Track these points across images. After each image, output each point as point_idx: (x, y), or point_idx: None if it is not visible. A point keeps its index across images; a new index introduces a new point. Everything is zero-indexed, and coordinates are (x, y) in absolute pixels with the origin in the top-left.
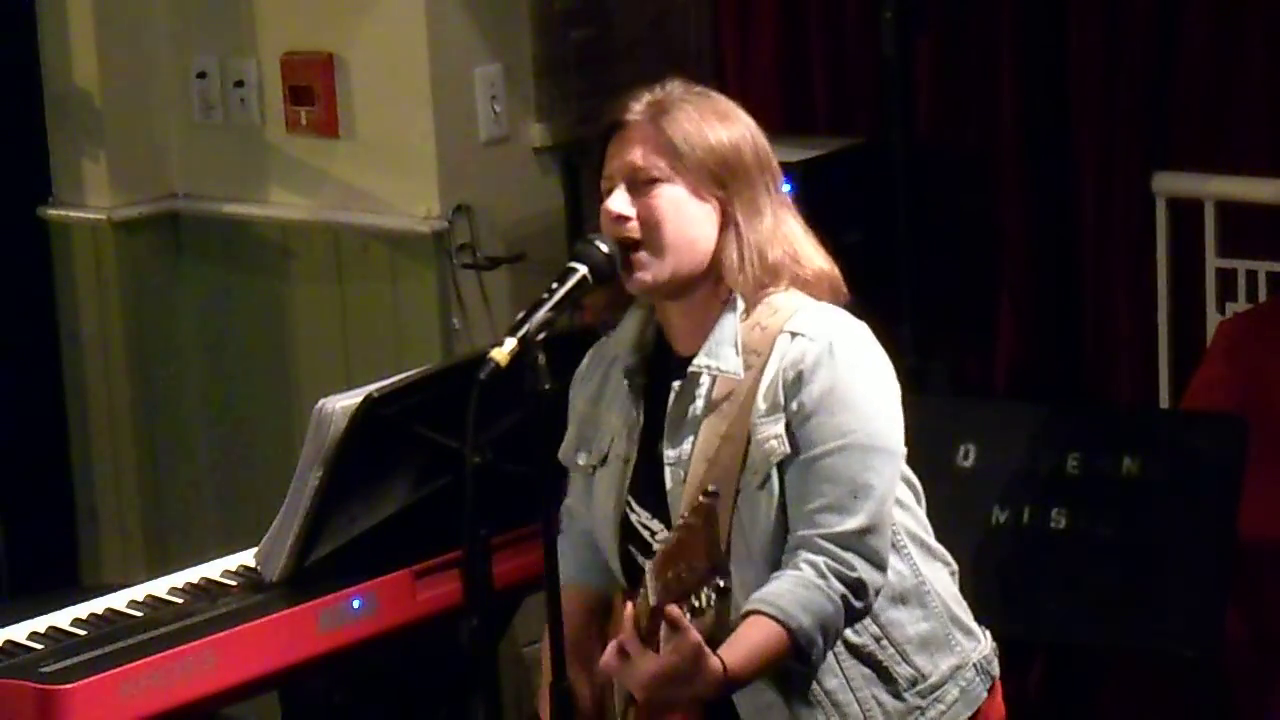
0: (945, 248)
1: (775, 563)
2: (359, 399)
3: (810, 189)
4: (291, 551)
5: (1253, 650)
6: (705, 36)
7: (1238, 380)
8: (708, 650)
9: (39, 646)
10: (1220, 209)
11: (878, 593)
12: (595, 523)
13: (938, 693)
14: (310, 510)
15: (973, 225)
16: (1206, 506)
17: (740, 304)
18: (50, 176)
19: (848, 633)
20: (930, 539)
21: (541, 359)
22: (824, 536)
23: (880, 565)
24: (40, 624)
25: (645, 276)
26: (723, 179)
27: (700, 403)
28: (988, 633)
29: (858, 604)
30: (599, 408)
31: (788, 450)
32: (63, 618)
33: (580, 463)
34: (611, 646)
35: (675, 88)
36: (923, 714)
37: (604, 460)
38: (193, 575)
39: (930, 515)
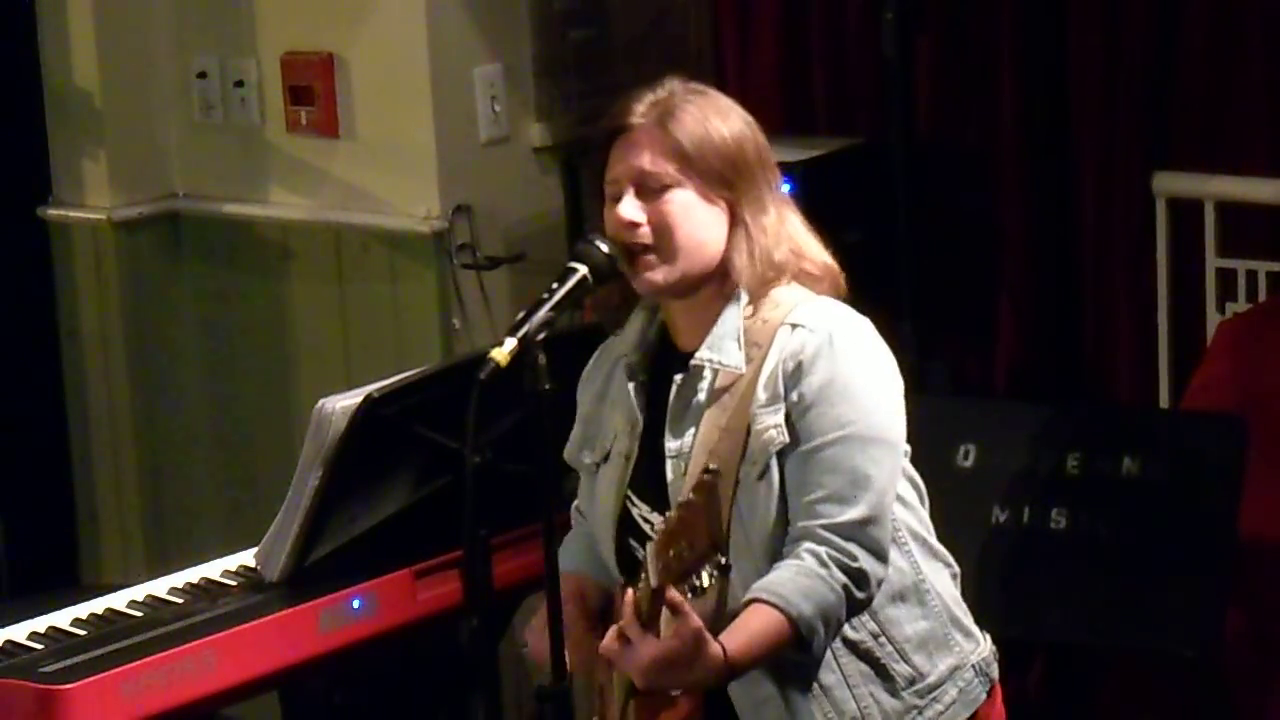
0: (945, 248)
1: (775, 555)
2: (359, 399)
3: (810, 189)
4: (291, 551)
5: (1253, 650)
6: (705, 36)
7: (1238, 380)
8: (708, 635)
9: (39, 646)
10: (1220, 209)
11: (879, 584)
12: (595, 518)
13: (935, 693)
14: (310, 510)
15: (973, 225)
16: (1206, 506)
17: (743, 298)
18: (50, 176)
19: (846, 629)
20: (932, 539)
21: (541, 359)
22: (825, 527)
23: (881, 556)
24: (40, 624)
25: (656, 278)
26: (730, 180)
27: (701, 396)
28: (987, 636)
29: (859, 595)
30: (603, 406)
31: (786, 440)
32: (63, 618)
33: (585, 461)
34: (612, 632)
35: (675, 87)
36: (920, 713)
37: (606, 457)
38: (193, 575)
39: (931, 515)
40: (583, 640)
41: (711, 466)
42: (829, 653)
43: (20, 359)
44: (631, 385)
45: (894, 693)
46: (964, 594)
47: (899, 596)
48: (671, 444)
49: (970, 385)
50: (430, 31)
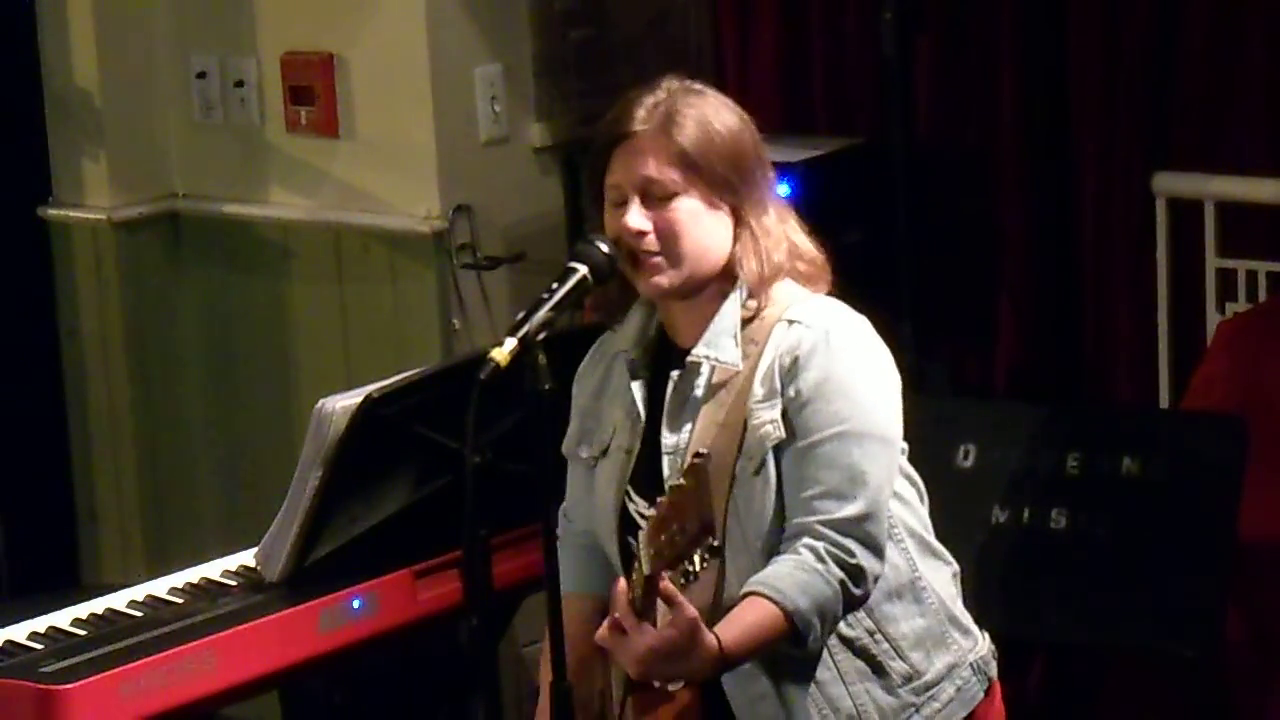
0: (945, 248)
1: (772, 550)
2: (359, 399)
3: (810, 189)
4: (291, 551)
5: (1253, 650)
6: (705, 36)
7: (1238, 380)
8: (704, 626)
9: (39, 646)
10: (1220, 209)
11: (876, 580)
12: (595, 514)
13: (932, 690)
14: (310, 510)
15: (973, 225)
16: (1206, 506)
17: (740, 295)
18: (50, 176)
19: (842, 626)
20: (930, 537)
21: (541, 359)
22: (823, 523)
23: (878, 553)
24: (40, 624)
25: (661, 281)
26: (733, 184)
27: (698, 392)
28: (986, 635)
29: (856, 590)
30: (601, 401)
31: (783, 435)
32: (63, 618)
33: (582, 455)
34: (607, 623)
35: (673, 88)
36: (917, 711)
37: (605, 452)
38: (193, 575)
39: (931, 515)
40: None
41: (702, 450)
42: (825, 649)
43: (20, 359)
44: (635, 382)
45: (890, 690)
46: (964, 594)
47: (895, 594)
48: (669, 439)
49: (970, 385)
50: (430, 31)
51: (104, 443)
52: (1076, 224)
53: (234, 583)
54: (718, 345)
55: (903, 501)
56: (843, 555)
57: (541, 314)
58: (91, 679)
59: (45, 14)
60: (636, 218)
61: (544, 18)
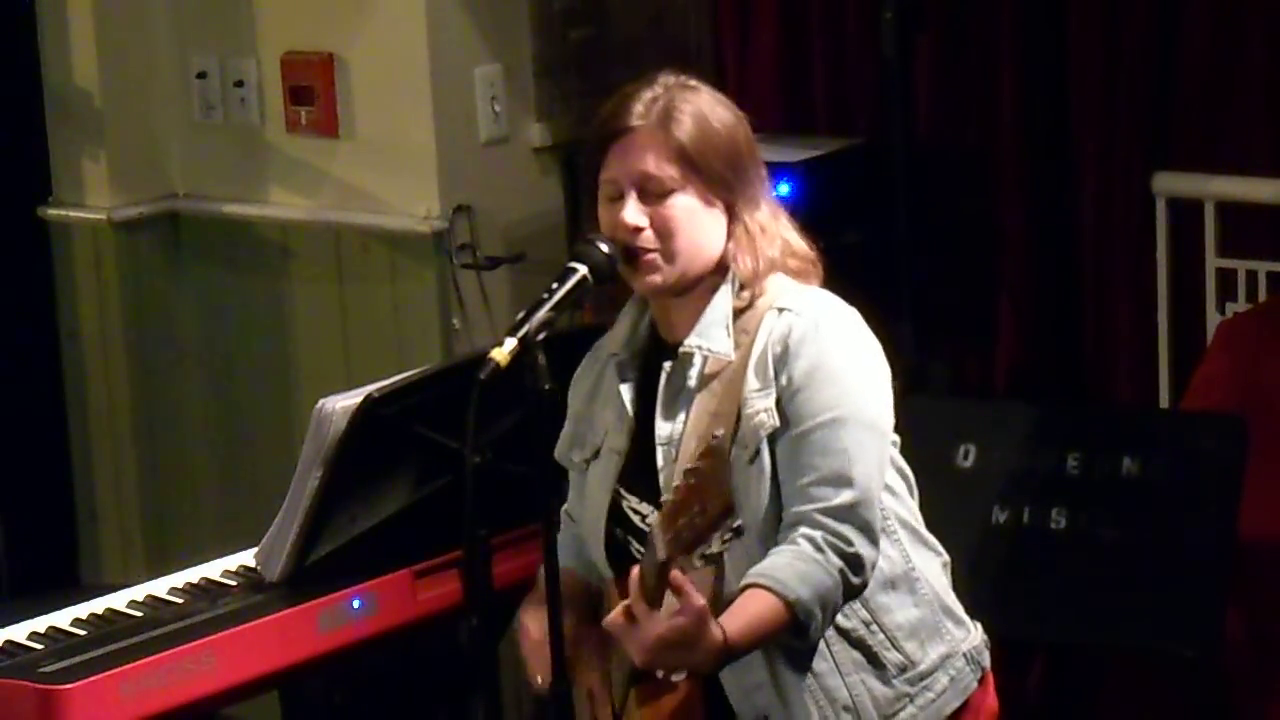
0: (945, 248)
1: (768, 539)
2: (359, 399)
3: (810, 189)
4: (291, 551)
5: (1253, 650)
6: (705, 36)
7: (1237, 380)
8: (710, 616)
9: (39, 646)
10: (1220, 209)
11: (873, 567)
12: (585, 515)
13: (927, 680)
14: (310, 510)
15: (973, 225)
16: (1206, 506)
17: (731, 286)
18: (50, 176)
19: (838, 617)
20: (921, 528)
21: (541, 359)
22: (820, 511)
23: (874, 540)
24: (40, 624)
25: (656, 279)
26: (729, 180)
27: (691, 383)
28: (978, 625)
29: (855, 580)
30: (593, 405)
31: (776, 423)
32: (63, 618)
33: (574, 459)
34: (618, 609)
35: (670, 83)
36: (911, 701)
37: (597, 454)
38: (193, 575)
39: (930, 515)
40: (569, 636)
41: (718, 432)
42: (821, 640)
43: (20, 359)
44: (624, 385)
45: (885, 680)
46: (964, 593)
47: (890, 584)
48: (662, 431)
49: (970, 385)
50: (430, 31)
51: (104, 443)
52: (1076, 224)
53: (234, 583)
54: (709, 336)
55: (893, 494)
56: (840, 544)
57: (541, 314)
58: (91, 679)
59: (45, 14)
60: (633, 213)
61: (544, 18)
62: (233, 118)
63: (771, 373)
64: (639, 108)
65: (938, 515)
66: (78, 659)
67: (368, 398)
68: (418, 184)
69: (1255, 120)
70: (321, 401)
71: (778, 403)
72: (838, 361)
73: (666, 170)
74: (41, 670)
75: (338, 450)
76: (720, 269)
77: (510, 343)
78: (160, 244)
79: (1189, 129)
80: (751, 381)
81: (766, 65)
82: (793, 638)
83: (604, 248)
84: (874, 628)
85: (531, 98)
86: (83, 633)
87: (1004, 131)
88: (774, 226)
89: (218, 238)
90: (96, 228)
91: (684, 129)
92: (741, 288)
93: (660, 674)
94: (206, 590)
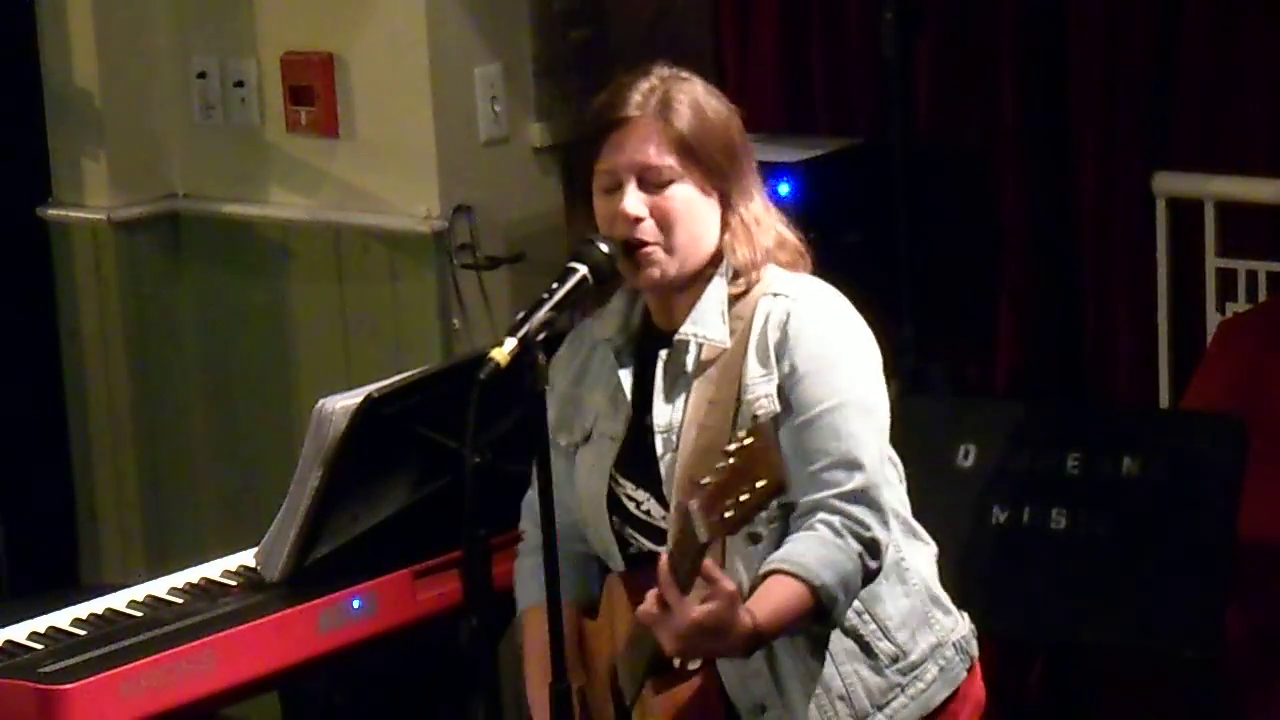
0: (945, 248)
1: (770, 524)
2: (359, 399)
3: (810, 189)
4: (291, 551)
5: (1253, 650)
6: (705, 36)
7: (1238, 380)
8: (740, 601)
9: (39, 646)
10: (1220, 209)
11: (886, 551)
12: (579, 500)
13: (917, 670)
14: (310, 510)
15: (973, 225)
16: (1206, 506)
17: (726, 274)
18: (50, 176)
19: None
20: (911, 518)
21: (541, 359)
22: (835, 496)
23: (886, 523)
24: (40, 624)
25: (655, 272)
26: (725, 170)
27: (688, 370)
28: (965, 615)
29: (872, 563)
30: (581, 388)
31: (777, 409)
32: (63, 618)
33: (562, 443)
34: (651, 597)
35: (664, 74)
36: (902, 691)
37: (587, 438)
38: (193, 575)
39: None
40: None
41: (759, 412)
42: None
43: (20, 359)
44: (623, 370)
45: (878, 670)
46: (964, 593)
47: (882, 575)
48: (660, 419)
49: (970, 385)
50: (430, 31)
51: (104, 443)
52: (1076, 224)
53: (234, 583)
54: (705, 323)
55: (887, 482)
56: (858, 528)
57: (541, 314)
58: (91, 679)
59: (45, 14)
60: (634, 203)
61: (544, 18)
62: (233, 118)
63: (773, 358)
64: (636, 98)
65: (938, 515)
66: (78, 659)
67: (368, 398)
68: (418, 184)
69: (1255, 120)
70: (321, 401)
71: (779, 389)
72: (838, 347)
73: (666, 160)
74: (41, 670)
75: (338, 450)
76: (715, 259)
77: (510, 343)
78: (160, 244)
79: (1189, 129)
80: (754, 367)
81: (766, 65)
82: (815, 623)
83: (604, 247)
84: (866, 617)
85: (531, 98)
86: (83, 633)
87: (1004, 131)
88: (767, 218)
89: (218, 238)
90: (96, 228)
91: (683, 119)
92: (736, 275)
93: (677, 663)
94: (206, 590)
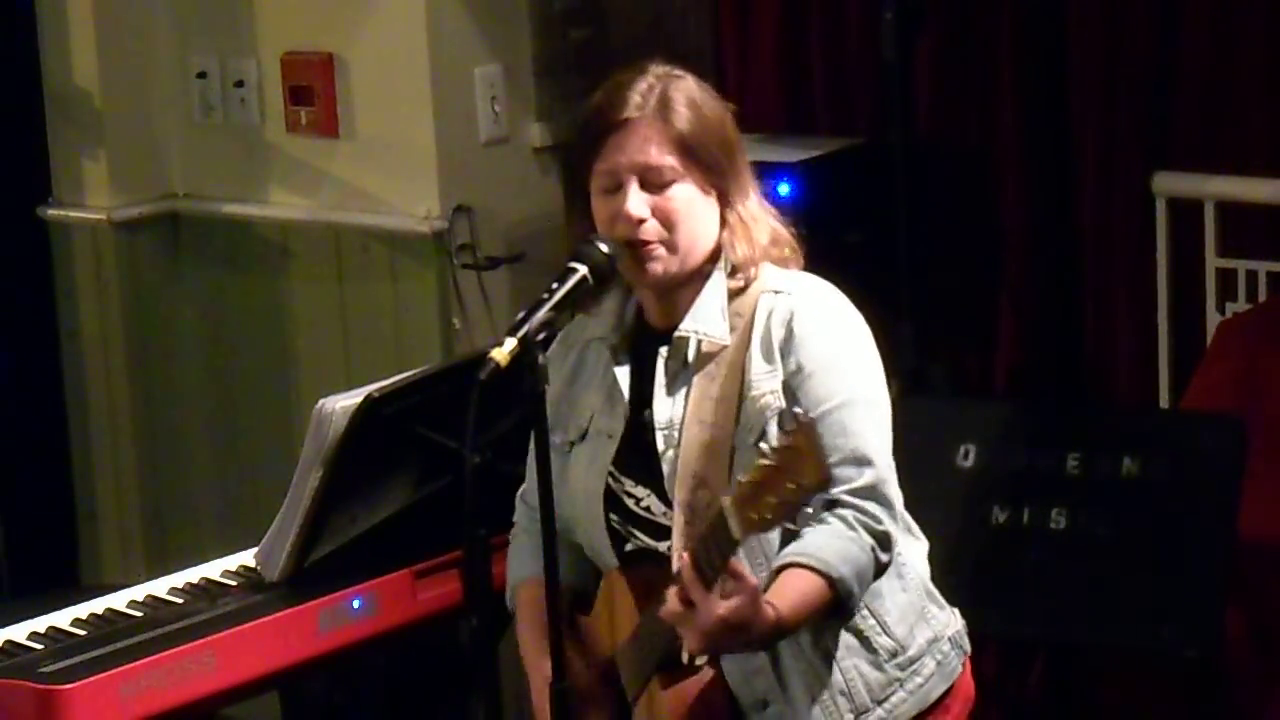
0: (945, 248)
1: None
2: (359, 399)
3: (810, 189)
4: (291, 551)
5: (1253, 650)
6: (705, 36)
7: (1238, 380)
8: (762, 595)
9: (39, 646)
10: (1220, 209)
11: (895, 544)
12: (572, 499)
13: (915, 665)
14: (310, 510)
15: (973, 225)
16: (1206, 506)
17: (723, 272)
18: (50, 176)
19: None
20: (905, 512)
21: (541, 359)
22: (847, 492)
23: (895, 517)
24: (40, 624)
25: (657, 269)
26: (723, 168)
27: (688, 367)
28: (955, 610)
29: (884, 557)
30: (575, 387)
31: (783, 404)
32: (63, 618)
33: (556, 441)
34: (675, 596)
35: (660, 73)
36: (901, 685)
37: (583, 436)
38: (193, 575)
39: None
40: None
41: (797, 410)
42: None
43: (20, 359)
44: (620, 368)
45: (877, 665)
46: (964, 593)
47: None
48: (660, 417)
49: (970, 385)
50: (430, 31)
51: (104, 443)
52: (1076, 224)
53: (234, 583)
54: (705, 320)
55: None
56: (871, 522)
57: (541, 314)
58: (91, 679)
59: (45, 14)
60: (637, 204)
61: (544, 18)
62: (233, 118)
63: (777, 355)
64: (635, 99)
65: (938, 515)
66: (78, 659)
67: (368, 398)
68: (418, 184)
69: (1255, 120)
70: (321, 401)
71: (785, 385)
72: (843, 345)
73: (667, 160)
74: (41, 670)
75: (338, 450)
76: (713, 256)
77: (510, 343)
78: (160, 244)
79: (1189, 129)
80: (758, 363)
81: (766, 65)
82: (830, 617)
83: (604, 247)
84: (866, 613)
85: (531, 98)
86: (83, 633)
87: (1004, 131)
88: (762, 214)
89: (218, 238)
90: (96, 228)
91: (683, 118)
92: (735, 271)
93: (685, 658)
94: (206, 590)
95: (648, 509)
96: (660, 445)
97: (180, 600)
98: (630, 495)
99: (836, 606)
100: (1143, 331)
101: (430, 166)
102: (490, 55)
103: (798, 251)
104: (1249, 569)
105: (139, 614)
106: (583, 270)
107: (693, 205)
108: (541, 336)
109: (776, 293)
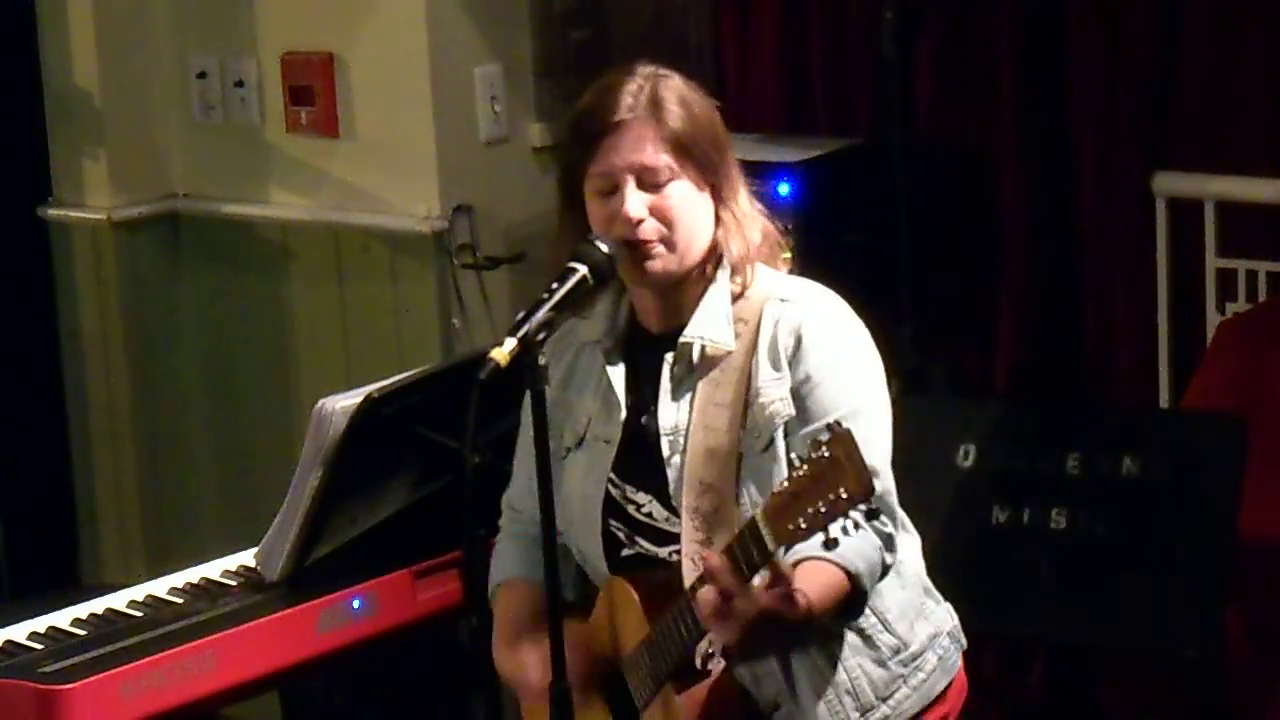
0: (945, 248)
1: None
2: (359, 399)
3: (810, 189)
4: (291, 551)
5: (1253, 650)
6: (705, 36)
7: (1238, 380)
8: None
9: (39, 646)
10: (1220, 209)
11: (897, 548)
12: (566, 505)
13: (918, 661)
14: (310, 510)
15: (973, 225)
16: (1206, 506)
17: (726, 277)
18: (50, 176)
19: None
20: (901, 510)
21: (542, 359)
22: None
23: (898, 524)
24: (40, 624)
25: (657, 267)
26: (715, 164)
27: (693, 373)
28: (949, 605)
29: (889, 559)
30: (569, 392)
31: (792, 413)
32: (63, 618)
33: (550, 448)
34: (714, 599)
35: (648, 73)
36: (905, 682)
37: (579, 443)
38: (193, 575)
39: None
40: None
41: (832, 421)
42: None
43: (20, 359)
44: (613, 370)
45: (881, 662)
46: (964, 593)
47: None
48: (666, 421)
49: (970, 385)
50: (430, 31)
51: (104, 443)
52: (1076, 224)
53: (234, 583)
54: (710, 325)
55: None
56: (878, 524)
57: (541, 314)
58: (91, 679)
59: (45, 14)
60: (636, 205)
61: (544, 18)
62: (233, 118)
63: (785, 363)
64: (626, 100)
65: (938, 515)
66: (78, 659)
67: (368, 398)
68: (418, 184)
69: (1255, 120)
70: (321, 401)
71: (794, 393)
72: (852, 355)
73: (662, 160)
74: (41, 670)
75: (338, 450)
76: (710, 256)
77: (510, 343)
78: (160, 244)
79: (1189, 129)
80: (766, 370)
81: (766, 65)
82: (842, 613)
83: (604, 247)
84: (868, 611)
85: (531, 98)
86: (83, 633)
87: (1004, 131)
88: (752, 210)
89: (218, 238)
90: (96, 228)
91: (675, 117)
92: (732, 273)
93: (699, 664)
94: (206, 590)
95: (649, 515)
96: (665, 451)
97: (180, 600)
98: (631, 501)
99: (850, 604)
100: (1143, 331)
101: (430, 166)
102: (490, 55)
103: (783, 246)
104: (1249, 569)
105: (139, 614)
106: (583, 270)
107: (689, 203)
108: (541, 336)
109: (783, 300)
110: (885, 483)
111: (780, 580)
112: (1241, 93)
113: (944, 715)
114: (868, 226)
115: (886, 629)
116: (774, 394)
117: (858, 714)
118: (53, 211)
